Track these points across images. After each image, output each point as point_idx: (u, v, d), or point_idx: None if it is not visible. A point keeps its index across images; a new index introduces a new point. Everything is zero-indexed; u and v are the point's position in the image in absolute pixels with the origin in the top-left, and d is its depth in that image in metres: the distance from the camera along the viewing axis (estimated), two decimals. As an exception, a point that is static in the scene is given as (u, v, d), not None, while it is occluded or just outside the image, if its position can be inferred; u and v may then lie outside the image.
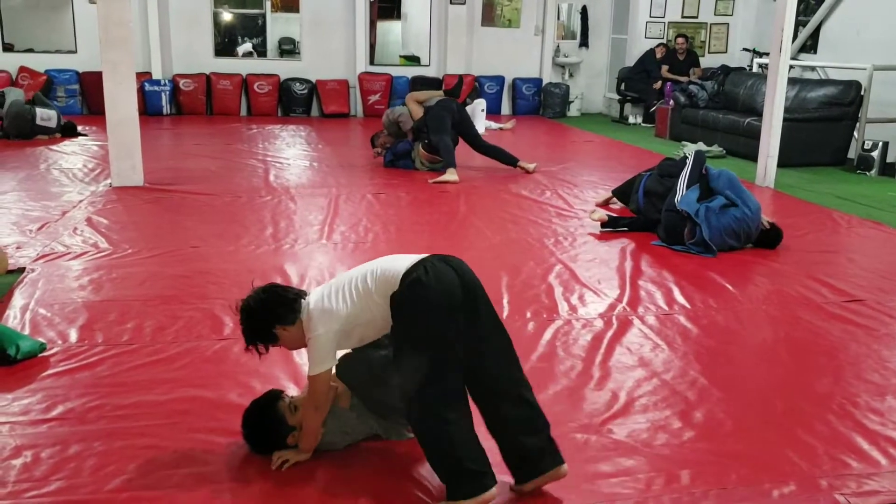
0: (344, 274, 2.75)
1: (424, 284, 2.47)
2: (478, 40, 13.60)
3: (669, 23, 13.57)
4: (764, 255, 5.55)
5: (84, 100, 12.17)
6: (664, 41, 13.18)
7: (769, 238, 5.66)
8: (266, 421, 2.78)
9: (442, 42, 13.43)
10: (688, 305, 4.49)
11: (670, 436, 3.02)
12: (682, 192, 5.65)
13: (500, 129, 11.55)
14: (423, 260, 2.55)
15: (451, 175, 7.73)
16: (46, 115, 9.78)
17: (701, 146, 9.92)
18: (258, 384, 3.27)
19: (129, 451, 2.79)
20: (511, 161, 8.39)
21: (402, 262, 2.58)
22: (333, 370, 2.72)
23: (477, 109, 11.10)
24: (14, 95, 9.84)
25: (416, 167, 8.29)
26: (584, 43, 14.34)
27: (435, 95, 8.46)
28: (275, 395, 2.86)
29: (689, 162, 5.87)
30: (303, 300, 2.70)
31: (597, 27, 14.34)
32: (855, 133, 9.40)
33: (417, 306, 2.49)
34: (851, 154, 9.42)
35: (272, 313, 2.67)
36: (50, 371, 3.42)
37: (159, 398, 3.20)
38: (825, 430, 3.09)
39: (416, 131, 8.27)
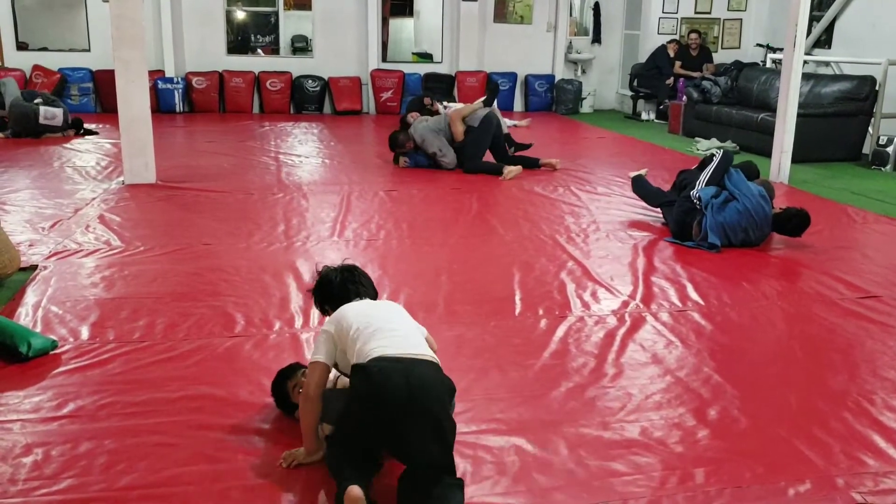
0: (392, 309, 2.86)
1: (367, 375, 2.51)
2: (490, 37, 13.57)
3: (682, 18, 13.51)
4: (778, 251, 5.51)
5: (97, 98, 12.22)
6: (676, 37, 13.11)
7: (786, 222, 5.51)
8: (276, 391, 3.06)
9: (454, 39, 13.41)
10: (701, 302, 4.45)
11: (684, 433, 3.00)
12: (701, 186, 5.61)
13: (515, 125, 11.51)
14: (393, 359, 2.52)
15: (514, 168, 7.88)
16: (50, 114, 9.73)
17: (714, 142, 9.87)
18: (269, 382, 3.26)
19: (140, 449, 2.79)
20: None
21: (395, 341, 2.60)
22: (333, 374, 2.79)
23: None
24: (11, 89, 9.79)
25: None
26: (597, 39, 14.28)
27: (477, 109, 8.38)
28: (290, 370, 3.05)
29: (716, 159, 5.76)
30: (357, 298, 2.88)
31: (609, 23, 14.29)
32: (870, 128, 9.32)
33: (357, 389, 2.57)
34: (866, 149, 9.34)
35: (329, 296, 2.97)
36: (61, 368, 3.42)
37: (170, 395, 3.20)
38: (841, 428, 3.06)
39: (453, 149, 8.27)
